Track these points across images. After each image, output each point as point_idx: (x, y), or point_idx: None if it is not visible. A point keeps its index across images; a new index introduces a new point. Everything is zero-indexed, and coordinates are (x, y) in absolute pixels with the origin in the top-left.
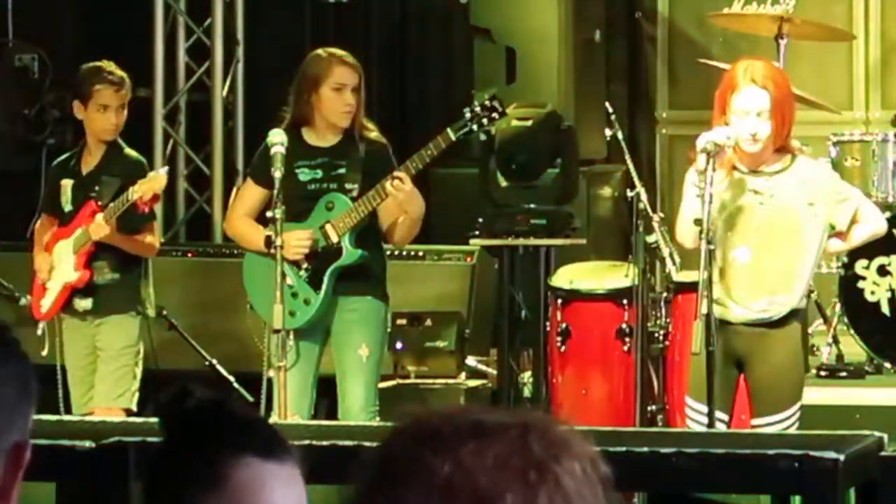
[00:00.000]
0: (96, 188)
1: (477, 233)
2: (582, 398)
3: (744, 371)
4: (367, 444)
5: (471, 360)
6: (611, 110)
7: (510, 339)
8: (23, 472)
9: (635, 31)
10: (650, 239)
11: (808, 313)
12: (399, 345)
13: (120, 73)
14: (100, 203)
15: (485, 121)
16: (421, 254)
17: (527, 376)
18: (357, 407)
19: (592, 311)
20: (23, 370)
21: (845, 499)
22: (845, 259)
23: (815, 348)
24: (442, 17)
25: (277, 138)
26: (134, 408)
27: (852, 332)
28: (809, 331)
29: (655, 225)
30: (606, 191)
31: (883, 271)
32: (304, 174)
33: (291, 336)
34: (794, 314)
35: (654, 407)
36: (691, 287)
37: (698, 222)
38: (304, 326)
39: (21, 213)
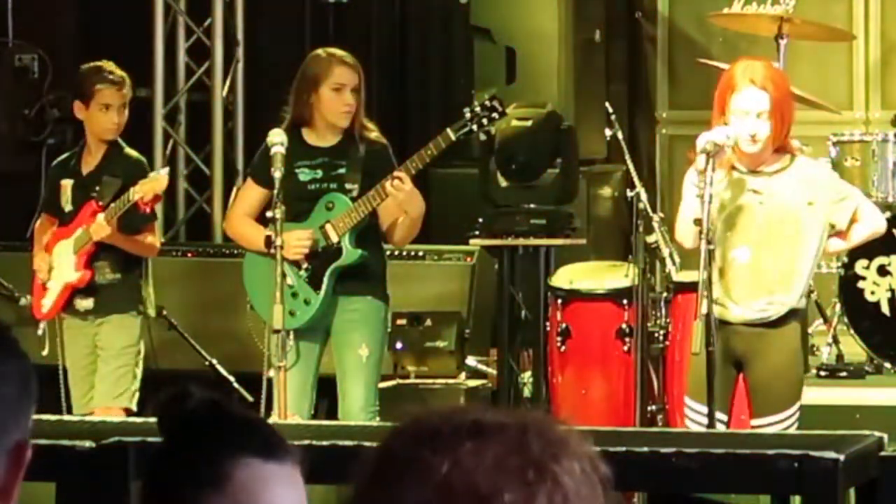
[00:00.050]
0: (97, 188)
1: (477, 233)
2: (582, 398)
3: (743, 371)
4: (367, 444)
5: (471, 360)
6: (611, 110)
7: (510, 339)
8: (24, 471)
9: (635, 31)
10: (650, 239)
11: (807, 313)
12: (399, 345)
13: (120, 72)
14: (100, 203)
15: (485, 121)
16: (421, 254)
17: (527, 376)
18: (357, 407)
19: (592, 311)
20: (23, 369)
21: (845, 499)
22: (845, 259)
23: (815, 348)
24: (442, 17)
25: (277, 138)
26: (134, 407)
27: (852, 332)
28: (809, 331)
29: (655, 225)
30: (606, 191)
31: (883, 271)
32: (304, 174)
33: (291, 336)
34: (793, 314)
35: (654, 407)
36: (691, 287)
37: (698, 222)
38: (304, 326)
39: (21, 213)
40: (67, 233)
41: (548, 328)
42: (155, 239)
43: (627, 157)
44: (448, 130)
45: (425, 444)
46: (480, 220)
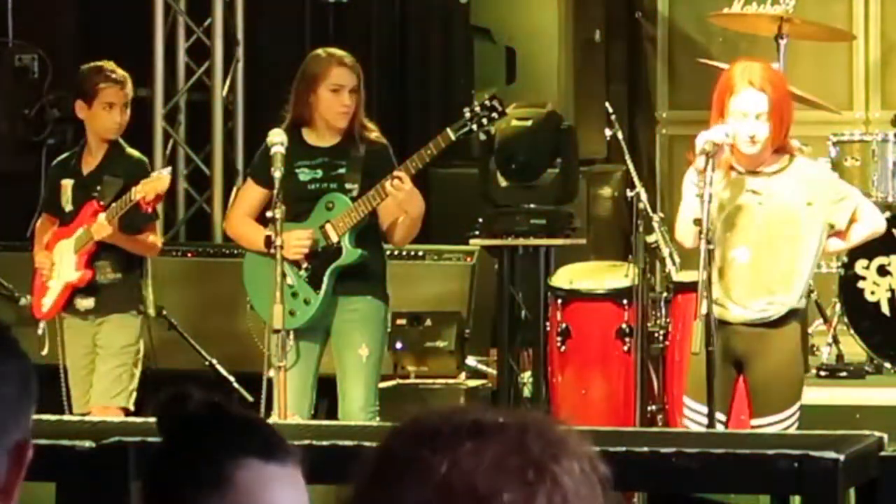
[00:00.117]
0: (98, 188)
1: (477, 233)
2: (582, 398)
3: (743, 371)
4: (367, 444)
5: (471, 360)
6: (611, 110)
7: (510, 339)
8: (24, 471)
9: (635, 31)
10: (650, 239)
11: (807, 313)
12: (399, 345)
13: (122, 71)
14: (101, 203)
15: (484, 120)
16: (421, 254)
17: (527, 376)
18: (357, 407)
19: (592, 311)
20: (23, 369)
21: (845, 499)
22: (845, 259)
23: (815, 348)
24: (442, 17)
25: (277, 138)
26: (131, 407)
27: (852, 332)
28: (809, 331)
29: (655, 225)
30: (606, 191)
31: (883, 271)
32: (304, 174)
33: (291, 336)
34: (793, 314)
35: (654, 407)
36: (691, 287)
37: (698, 222)
38: (304, 326)
39: (21, 213)
40: (68, 232)
41: (548, 328)
42: (156, 239)
43: (627, 157)
44: (448, 130)
45: (425, 444)
46: (480, 220)
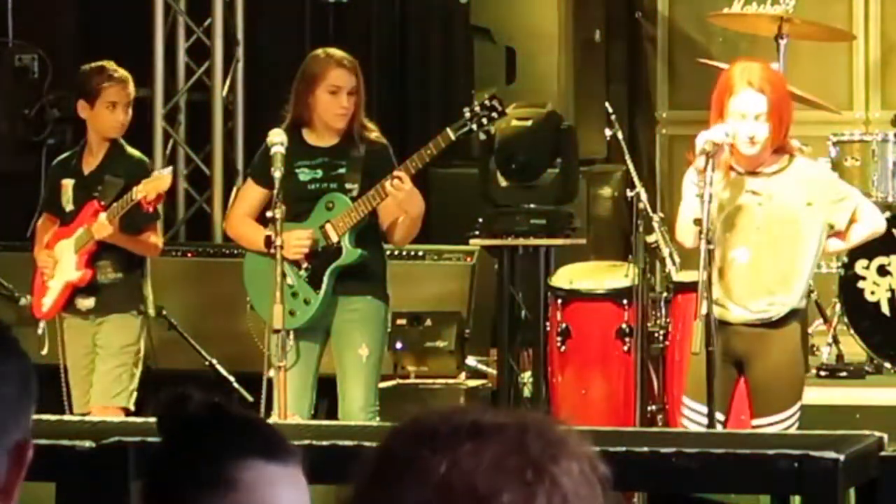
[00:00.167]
0: (98, 188)
1: (477, 233)
2: (582, 398)
3: (744, 371)
4: (367, 444)
5: (471, 360)
6: (611, 110)
7: (510, 339)
8: (25, 470)
9: (635, 31)
10: (650, 239)
11: (808, 313)
12: (399, 345)
13: (123, 71)
14: (102, 203)
15: (484, 120)
16: (421, 254)
17: (527, 376)
18: (357, 407)
19: (592, 311)
20: (23, 369)
21: (845, 499)
22: (845, 259)
23: (815, 348)
24: (442, 17)
25: (277, 138)
26: (131, 407)
27: (852, 332)
28: (809, 331)
29: (655, 225)
30: (606, 191)
31: (883, 271)
32: (304, 174)
33: (291, 336)
34: (793, 314)
35: (654, 407)
36: (691, 287)
37: (698, 222)
38: (304, 326)
39: (21, 213)
40: (68, 232)
41: (548, 328)
42: (157, 239)
43: (627, 157)
44: (448, 130)
45: (424, 445)
46: (480, 220)
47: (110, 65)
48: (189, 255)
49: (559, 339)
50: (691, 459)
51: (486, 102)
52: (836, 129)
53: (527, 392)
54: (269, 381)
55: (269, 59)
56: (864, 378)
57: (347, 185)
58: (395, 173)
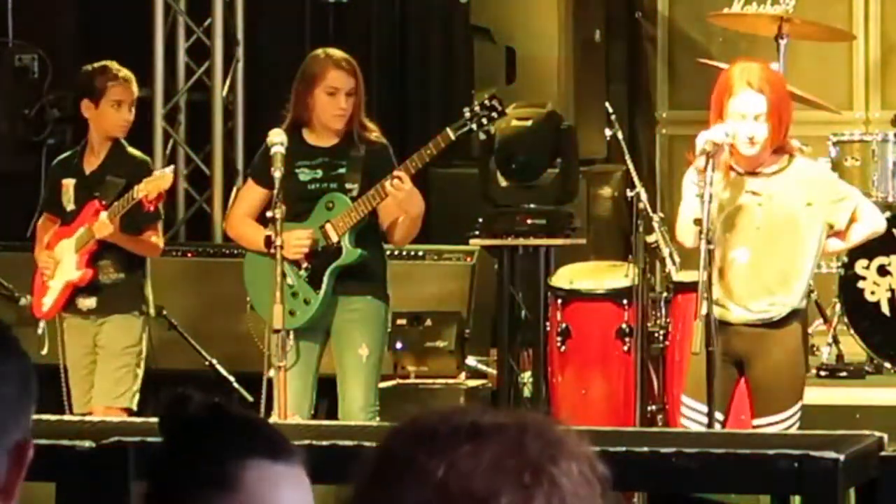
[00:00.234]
0: (100, 188)
1: (477, 233)
2: (582, 398)
3: (744, 371)
4: (367, 444)
5: (471, 360)
6: (611, 110)
7: (510, 339)
8: (25, 470)
9: (635, 31)
10: (650, 239)
11: (808, 313)
12: (399, 345)
13: (126, 70)
14: (103, 202)
15: (484, 120)
16: (421, 254)
17: (527, 376)
18: (357, 407)
19: (592, 311)
20: (23, 369)
21: (845, 499)
22: (845, 259)
23: (815, 348)
24: (442, 17)
25: (277, 138)
26: (134, 407)
27: (852, 332)
28: (809, 331)
29: (655, 225)
30: (606, 191)
31: (883, 271)
32: (304, 174)
33: (291, 336)
34: (794, 314)
35: (654, 407)
36: (691, 287)
37: (698, 222)
38: (304, 326)
39: (21, 213)
40: (69, 232)
41: (548, 328)
42: (158, 239)
43: (627, 157)
44: (448, 130)
45: (422, 446)
46: (480, 220)
47: (113, 64)
48: (189, 255)
49: (559, 339)
50: (691, 459)
51: (486, 102)
52: (836, 129)
53: (527, 392)
54: (269, 381)
55: (269, 59)
56: (864, 378)
57: (347, 185)
58: (395, 173)
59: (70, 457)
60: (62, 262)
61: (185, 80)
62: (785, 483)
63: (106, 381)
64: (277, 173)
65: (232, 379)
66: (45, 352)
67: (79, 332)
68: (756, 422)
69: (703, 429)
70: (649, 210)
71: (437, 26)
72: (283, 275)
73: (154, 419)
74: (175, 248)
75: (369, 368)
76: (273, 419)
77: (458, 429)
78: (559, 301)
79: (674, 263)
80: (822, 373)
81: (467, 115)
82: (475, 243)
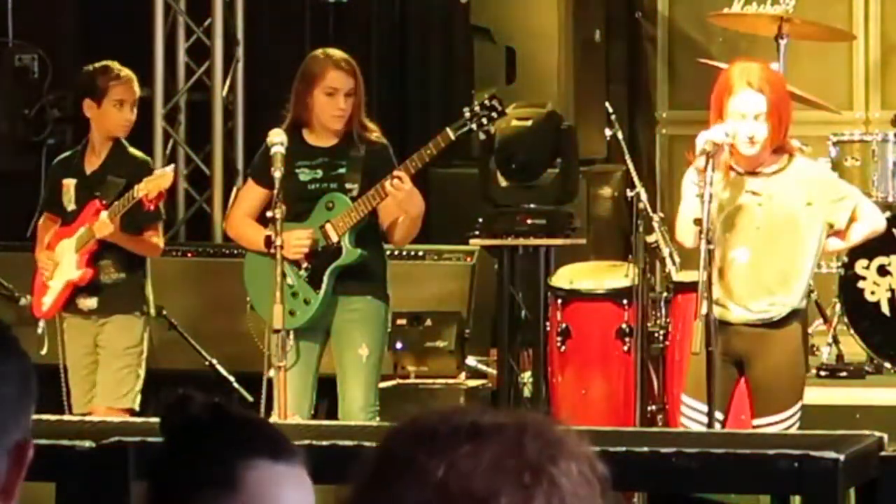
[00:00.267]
0: (101, 188)
1: (477, 233)
2: (582, 398)
3: (744, 371)
4: (367, 444)
5: (471, 360)
6: (611, 110)
7: (510, 339)
8: (25, 470)
9: (635, 31)
10: (650, 239)
11: (808, 313)
12: (399, 345)
13: (128, 70)
14: (104, 202)
15: (484, 120)
16: (421, 254)
17: (527, 376)
18: (357, 407)
19: (592, 311)
20: (23, 369)
21: (845, 499)
22: (845, 259)
23: (815, 348)
24: (442, 17)
25: (277, 138)
26: (137, 408)
27: (852, 332)
28: (809, 331)
29: (655, 225)
30: (606, 191)
31: (883, 271)
32: (304, 174)
33: (291, 336)
34: (794, 314)
35: (654, 407)
36: (691, 287)
37: (698, 222)
38: (304, 326)
39: (21, 213)
40: (70, 232)
41: (548, 328)
42: (159, 239)
43: (627, 157)
44: (448, 130)
45: (422, 446)
46: (480, 220)
47: (115, 64)
48: (189, 255)
49: (559, 339)
50: (691, 459)
51: (486, 102)
52: (836, 129)
53: (527, 392)
54: (269, 381)
55: (269, 59)
56: (864, 378)
57: (347, 185)
58: (395, 173)
59: (70, 457)
60: (62, 261)
61: (185, 80)
62: (785, 483)
63: (108, 382)
64: (277, 173)
65: (232, 379)
66: (44, 351)
67: (79, 332)
68: (756, 422)
69: (703, 428)
70: (649, 210)
71: (437, 26)
72: (283, 275)
73: (154, 419)
74: (175, 248)
75: (369, 368)
76: (273, 419)
77: (457, 429)
78: (559, 301)
79: (674, 263)
80: (822, 373)
81: (467, 115)
82: (475, 243)
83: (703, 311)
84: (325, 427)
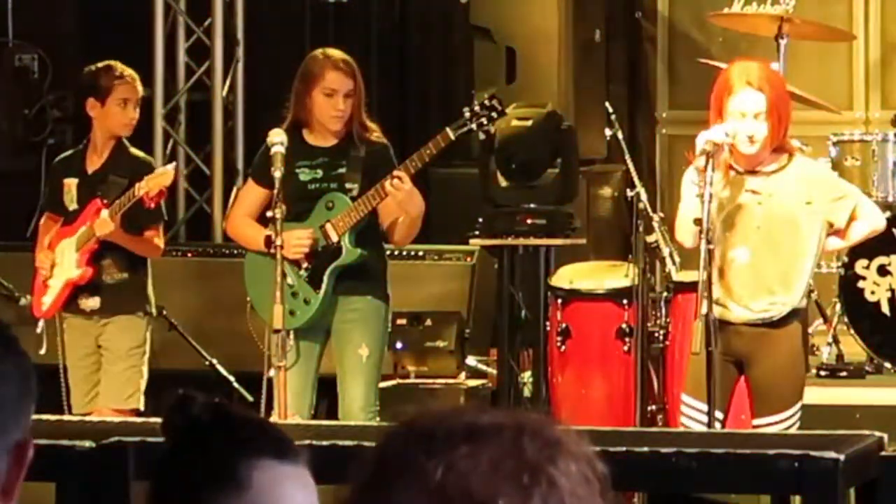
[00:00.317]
0: (102, 187)
1: (477, 233)
2: (582, 398)
3: (744, 371)
4: (367, 444)
5: (471, 360)
6: (611, 110)
7: (510, 339)
8: (25, 470)
9: (635, 31)
10: (650, 239)
11: (808, 313)
12: (399, 345)
13: (131, 70)
14: (105, 202)
15: (484, 120)
16: (421, 254)
17: (527, 376)
18: (357, 407)
19: (592, 311)
20: (23, 368)
21: (845, 499)
22: (845, 259)
23: (815, 348)
24: (442, 17)
25: (277, 138)
26: (142, 408)
27: (852, 331)
28: (809, 331)
29: (655, 225)
30: (606, 191)
31: (883, 271)
32: (304, 174)
33: (291, 336)
34: (794, 314)
35: (654, 407)
36: (691, 287)
37: (698, 222)
38: (304, 326)
39: (21, 213)
40: (71, 231)
41: (548, 328)
42: (160, 240)
43: (627, 157)
44: (447, 130)
45: (420, 448)
46: (480, 220)
47: (118, 64)
48: (189, 255)
49: (559, 339)
50: (691, 459)
51: (486, 102)
52: (836, 129)
53: (527, 392)
54: (269, 381)
55: (269, 59)
56: (864, 378)
57: (347, 185)
58: (395, 173)
59: (70, 457)
60: (63, 260)
61: (185, 80)
62: (785, 483)
63: (114, 383)
64: (277, 173)
65: (232, 379)
66: (43, 351)
67: (80, 332)
68: (756, 421)
69: (703, 428)
70: (649, 210)
71: (437, 26)
72: (283, 275)
73: (154, 419)
74: (175, 248)
75: (369, 368)
76: (273, 419)
77: (455, 430)
78: (559, 301)
79: (674, 263)
80: (822, 373)
81: (467, 115)
82: (475, 243)
83: (703, 310)
84: (325, 427)
